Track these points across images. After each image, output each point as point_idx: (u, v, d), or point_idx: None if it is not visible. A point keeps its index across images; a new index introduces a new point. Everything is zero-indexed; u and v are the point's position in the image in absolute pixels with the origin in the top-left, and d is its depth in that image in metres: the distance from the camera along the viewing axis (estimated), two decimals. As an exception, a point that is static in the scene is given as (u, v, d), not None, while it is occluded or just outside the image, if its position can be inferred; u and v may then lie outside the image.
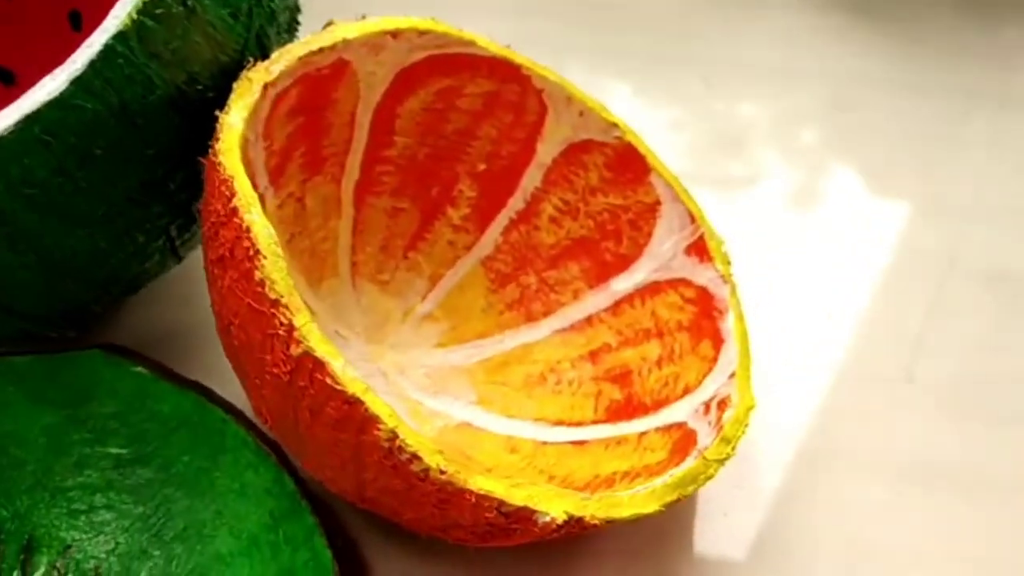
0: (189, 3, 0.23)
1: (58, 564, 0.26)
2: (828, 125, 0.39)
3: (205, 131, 0.24)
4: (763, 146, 0.38)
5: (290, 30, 0.28)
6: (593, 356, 0.31)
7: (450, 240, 0.32)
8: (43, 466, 0.27)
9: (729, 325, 0.28)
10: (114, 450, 0.27)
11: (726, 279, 0.29)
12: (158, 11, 0.22)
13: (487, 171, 0.32)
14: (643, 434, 0.28)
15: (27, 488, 0.27)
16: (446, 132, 0.31)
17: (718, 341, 0.29)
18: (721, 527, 0.29)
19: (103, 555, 0.26)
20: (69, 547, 0.26)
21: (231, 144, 0.23)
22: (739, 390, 0.27)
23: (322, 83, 0.27)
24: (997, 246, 0.35)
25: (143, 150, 0.24)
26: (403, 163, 0.31)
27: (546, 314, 0.32)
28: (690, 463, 0.25)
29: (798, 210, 0.37)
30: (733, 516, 0.29)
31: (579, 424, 0.30)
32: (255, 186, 0.26)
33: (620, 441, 0.28)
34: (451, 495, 0.21)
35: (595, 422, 0.29)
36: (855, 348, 0.33)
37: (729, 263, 0.30)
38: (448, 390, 0.31)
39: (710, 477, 0.25)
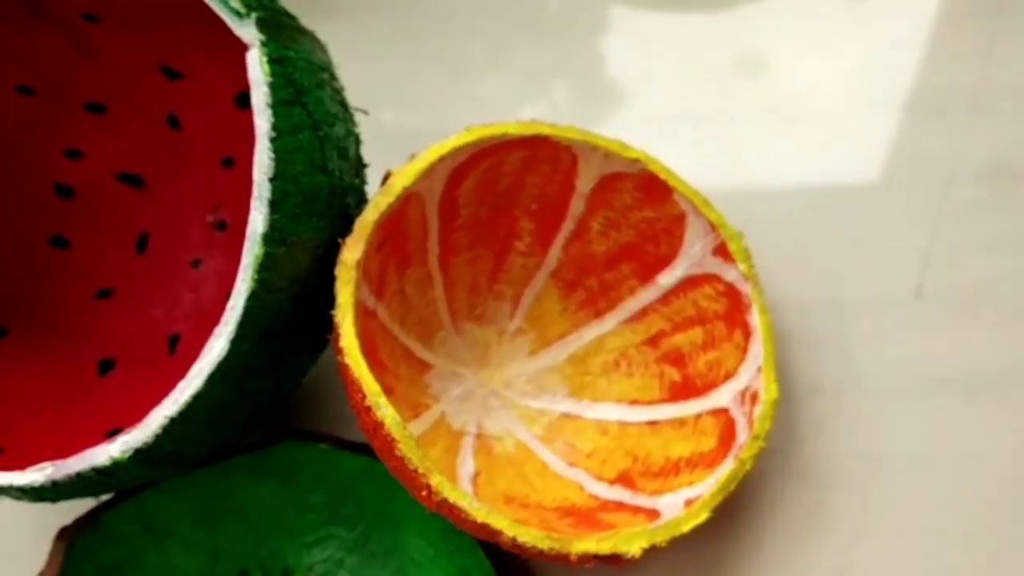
0: (288, 240, 0.30)
1: (308, 578, 0.38)
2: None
3: (321, 293, 0.32)
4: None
5: (358, 174, 0.35)
6: (652, 341, 0.39)
7: (522, 264, 0.40)
8: (277, 517, 0.38)
9: (755, 319, 0.36)
10: (321, 498, 0.38)
11: (747, 276, 0.36)
12: (271, 262, 0.29)
13: (539, 208, 0.39)
14: (699, 416, 0.36)
15: (270, 533, 0.38)
16: (499, 190, 0.38)
17: (747, 332, 0.36)
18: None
19: (335, 568, 0.38)
20: (311, 567, 0.38)
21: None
22: (765, 383, 0.34)
23: (396, 215, 0.34)
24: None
25: (284, 346, 0.32)
26: (471, 224, 0.38)
27: (610, 309, 0.40)
28: (730, 464, 0.33)
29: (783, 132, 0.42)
30: (774, 443, 0.38)
31: (649, 403, 0.38)
32: (365, 310, 0.34)
33: (683, 422, 0.37)
34: (561, 559, 0.31)
35: (662, 401, 0.38)
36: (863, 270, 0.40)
37: (749, 258, 0.36)
38: (546, 389, 0.39)
39: (748, 471, 0.33)
